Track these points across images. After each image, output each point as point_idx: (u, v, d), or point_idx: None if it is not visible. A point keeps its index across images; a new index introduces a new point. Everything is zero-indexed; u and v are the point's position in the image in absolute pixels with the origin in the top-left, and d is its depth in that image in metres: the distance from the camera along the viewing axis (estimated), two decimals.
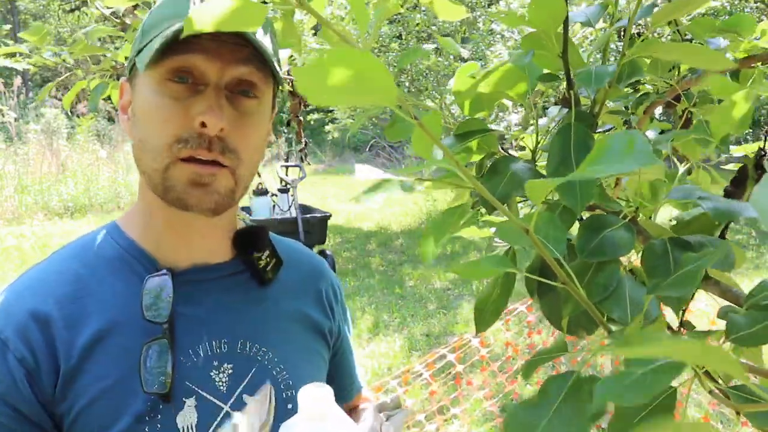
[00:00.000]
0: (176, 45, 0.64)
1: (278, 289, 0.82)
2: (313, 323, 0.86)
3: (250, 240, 0.81)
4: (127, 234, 0.76)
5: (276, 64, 0.71)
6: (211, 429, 0.71)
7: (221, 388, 0.73)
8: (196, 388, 0.71)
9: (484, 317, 0.67)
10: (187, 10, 0.68)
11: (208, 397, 0.72)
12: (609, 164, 0.34)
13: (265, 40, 0.71)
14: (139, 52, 0.70)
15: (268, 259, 0.81)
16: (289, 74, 1.68)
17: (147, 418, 0.67)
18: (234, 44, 0.68)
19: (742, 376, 0.26)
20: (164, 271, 0.72)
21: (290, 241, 0.92)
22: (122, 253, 0.74)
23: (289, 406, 0.78)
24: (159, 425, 0.68)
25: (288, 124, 1.87)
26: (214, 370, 0.73)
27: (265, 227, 0.83)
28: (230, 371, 0.74)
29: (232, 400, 0.73)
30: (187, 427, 0.69)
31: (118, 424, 0.66)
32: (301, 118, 1.84)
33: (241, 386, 0.75)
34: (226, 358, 0.74)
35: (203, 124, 0.67)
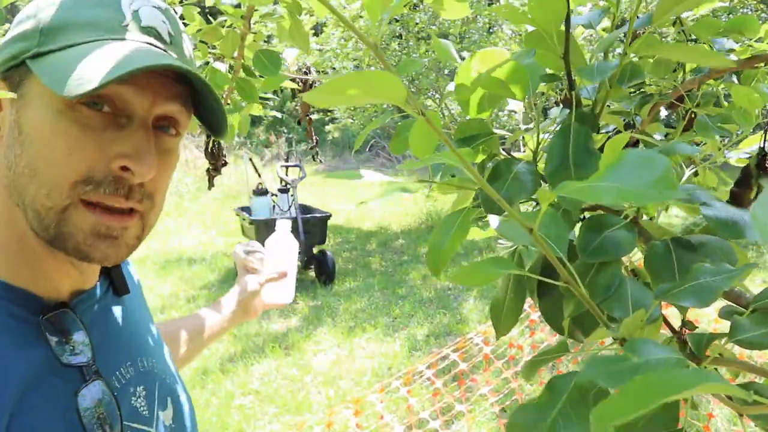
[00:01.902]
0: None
1: (130, 297, 0.77)
2: (151, 317, 0.84)
3: None
4: None
5: (218, 102, 0.62)
6: None
7: (144, 413, 0.67)
8: (128, 423, 0.64)
9: (502, 322, 0.67)
10: (113, 21, 0.57)
11: (139, 427, 0.65)
12: (622, 181, 0.33)
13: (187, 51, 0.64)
14: (41, 54, 0.55)
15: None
16: (298, 73, 1.68)
17: None
18: (167, 76, 0.59)
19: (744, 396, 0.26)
20: (57, 305, 0.61)
21: None
22: None
23: (186, 408, 0.76)
24: None
25: (298, 123, 1.86)
26: (133, 397, 0.66)
27: None
28: (144, 393, 0.68)
29: (155, 421, 0.68)
30: None
31: None
32: (311, 117, 1.83)
33: (156, 403, 0.70)
34: (136, 380, 0.68)
35: (125, 168, 0.56)
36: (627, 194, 0.33)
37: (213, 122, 0.65)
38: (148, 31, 0.59)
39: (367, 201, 0.49)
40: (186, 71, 0.56)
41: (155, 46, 0.59)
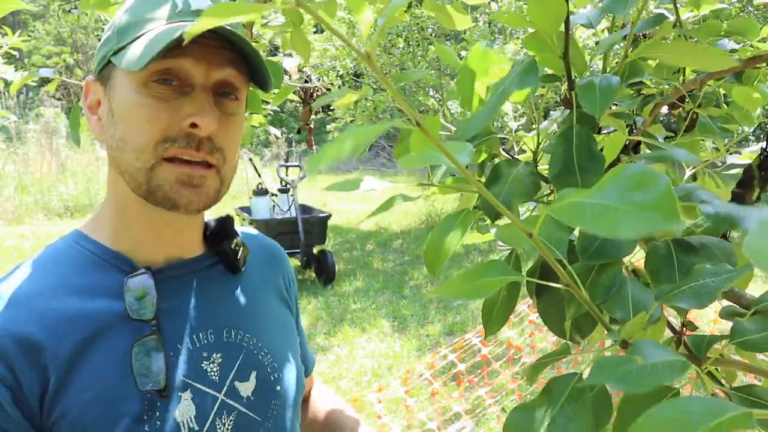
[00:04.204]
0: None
1: (249, 276, 0.86)
2: (283, 298, 0.92)
3: (220, 232, 0.84)
4: (96, 240, 0.75)
5: (261, 62, 0.72)
6: (209, 419, 0.72)
7: (214, 377, 0.74)
8: (190, 381, 0.72)
9: (493, 321, 0.66)
10: (167, 10, 0.69)
11: (203, 388, 0.73)
12: (614, 200, 0.30)
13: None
14: (117, 52, 0.69)
15: (236, 248, 0.84)
16: (299, 81, 1.68)
17: (145, 417, 0.67)
18: (217, 47, 0.69)
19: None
20: (143, 269, 0.73)
21: (247, 228, 0.97)
22: (94, 258, 0.74)
23: (278, 388, 0.82)
24: (158, 422, 0.68)
25: (299, 131, 1.86)
26: (204, 361, 0.74)
27: (230, 217, 0.86)
28: (220, 360, 0.76)
29: (225, 388, 0.75)
30: (187, 421, 0.70)
31: (116, 428, 0.66)
32: (312, 125, 1.82)
33: (232, 373, 0.77)
34: (214, 347, 0.76)
35: (193, 125, 0.68)
36: (617, 216, 0.29)
37: (261, 80, 0.74)
38: (197, 13, 0.70)
39: (371, 215, 0.49)
40: (226, 30, 0.66)
41: None
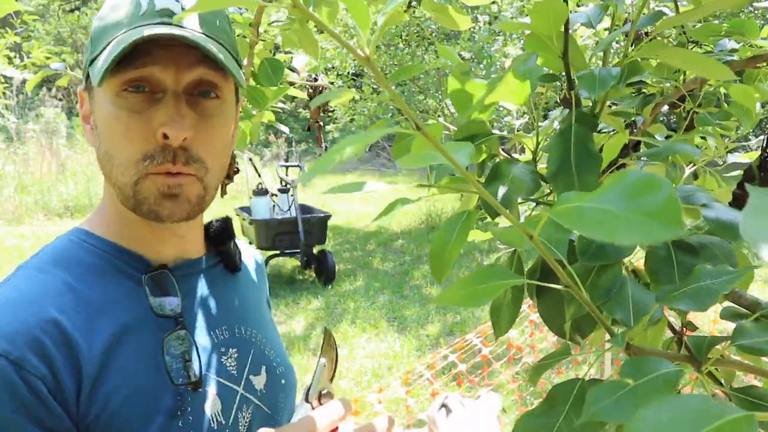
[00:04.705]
0: (128, 56, 0.63)
1: (243, 276, 0.88)
2: (268, 301, 0.95)
3: (222, 233, 0.85)
4: (104, 237, 0.74)
5: (235, 59, 0.70)
6: (233, 412, 0.74)
7: (233, 372, 0.76)
8: (214, 376, 0.73)
9: (501, 323, 0.66)
10: (132, 16, 0.67)
11: (225, 382, 0.74)
12: (616, 206, 0.29)
13: (217, 33, 0.70)
14: (92, 61, 0.68)
15: (235, 249, 0.86)
16: (307, 79, 1.67)
17: (179, 413, 0.68)
18: (185, 47, 0.66)
19: None
20: (159, 266, 0.73)
21: None
22: (106, 256, 0.72)
23: (283, 381, 0.83)
24: (191, 418, 0.69)
25: (308, 129, 1.85)
26: (223, 356, 0.76)
27: (229, 219, 0.87)
28: (236, 355, 0.77)
29: (243, 382, 0.77)
30: (215, 415, 0.71)
31: (152, 425, 0.66)
32: (321, 123, 1.81)
33: (247, 368, 0.78)
34: (230, 342, 0.78)
35: (165, 136, 0.66)
36: (618, 222, 0.28)
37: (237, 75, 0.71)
38: (161, 13, 0.67)
39: (376, 219, 0.48)
40: (176, 35, 0.63)
41: (169, 24, 0.66)
